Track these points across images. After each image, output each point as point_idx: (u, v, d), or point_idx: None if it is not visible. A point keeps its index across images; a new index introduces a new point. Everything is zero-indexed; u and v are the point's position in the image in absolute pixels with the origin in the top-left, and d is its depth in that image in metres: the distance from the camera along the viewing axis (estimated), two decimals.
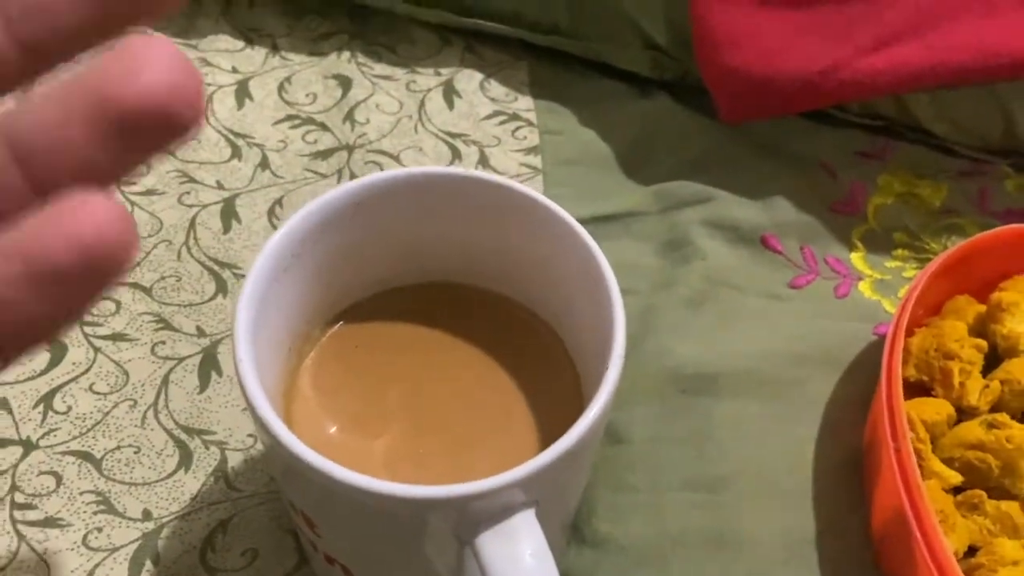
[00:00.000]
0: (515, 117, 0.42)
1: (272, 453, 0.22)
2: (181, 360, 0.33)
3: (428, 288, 0.28)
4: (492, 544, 0.21)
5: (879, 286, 0.36)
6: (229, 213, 0.37)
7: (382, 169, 0.38)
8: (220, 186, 0.38)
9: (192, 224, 0.37)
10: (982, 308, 0.32)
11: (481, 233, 0.26)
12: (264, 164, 0.39)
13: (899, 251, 0.38)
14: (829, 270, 0.37)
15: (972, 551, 0.27)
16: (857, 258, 0.37)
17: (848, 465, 0.31)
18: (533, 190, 0.25)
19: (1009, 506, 0.27)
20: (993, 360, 0.31)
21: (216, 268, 0.35)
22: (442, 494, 0.20)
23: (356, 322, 0.28)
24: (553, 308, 0.27)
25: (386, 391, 0.27)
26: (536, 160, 0.40)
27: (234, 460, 0.31)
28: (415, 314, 0.28)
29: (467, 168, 0.38)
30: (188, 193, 0.38)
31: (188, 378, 0.32)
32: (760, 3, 0.35)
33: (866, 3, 0.34)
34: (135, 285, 0.35)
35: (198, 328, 0.34)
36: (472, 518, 0.21)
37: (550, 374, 0.27)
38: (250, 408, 0.21)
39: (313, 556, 0.27)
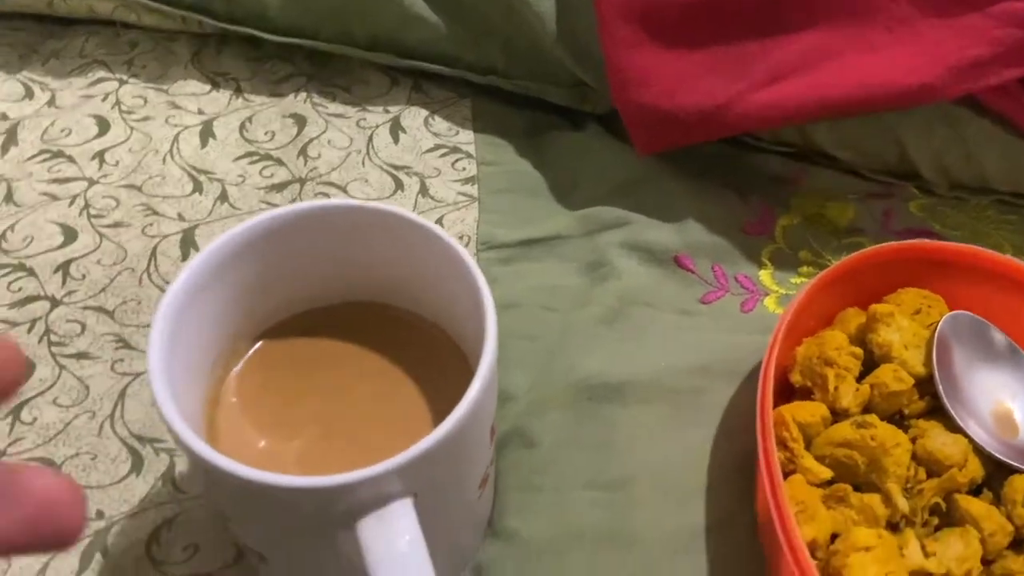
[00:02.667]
0: (456, 150, 0.45)
1: (183, 453, 0.25)
2: (138, 375, 0.36)
3: (342, 308, 0.32)
4: (370, 529, 0.24)
5: (783, 301, 0.39)
6: (188, 242, 0.41)
7: (329, 199, 0.41)
8: (181, 218, 0.42)
9: (153, 253, 0.40)
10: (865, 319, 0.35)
11: (381, 256, 0.30)
12: (223, 197, 0.43)
13: (804, 268, 0.40)
14: (738, 287, 0.40)
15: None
16: (765, 275, 0.40)
17: (741, 466, 0.34)
18: (415, 215, 0.28)
19: (871, 498, 0.30)
20: (871, 367, 0.34)
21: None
22: (321, 483, 0.23)
23: (277, 338, 0.31)
24: (448, 318, 0.31)
25: (302, 401, 0.30)
26: (473, 189, 0.44)
27: (181, 465, 0.34)
28: (331, 331, 0.31)
29: (400, 199, 0.41)
30: (151, 224, 0.41)
31: (144, 391, 0.36)
32: (664, 45, 0.39)
33: (758, 44, 0.37)
34: (99, 309, 0.38)
35: None
36: (353, 505, 0.24)
37: (448, 378, 0.30)
38: (157, 407, 0.24)
39: (245, 551, 0.30)
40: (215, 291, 0.28)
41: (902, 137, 0.39)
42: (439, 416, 0.29)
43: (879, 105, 0.36)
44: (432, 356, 0.31)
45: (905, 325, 0.33)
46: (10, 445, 0.34)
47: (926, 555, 0.29)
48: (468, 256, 0.27)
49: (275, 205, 0.43)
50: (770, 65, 0.37)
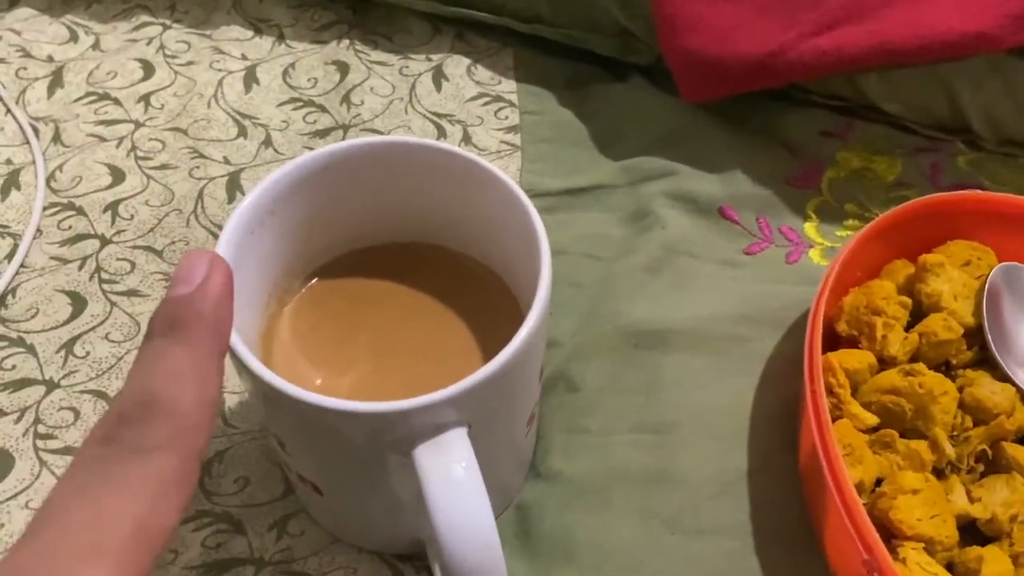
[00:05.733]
0: (498, 99, 0.45)
1: (243, 379, 0.26)
2: None
3: (394, 248, 0.32)
4: (427, 455, 0.24)
5: (828, 253, 0.39)
6: (234, 185, 0.41)
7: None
8: (227, 161, 0.42)
9: (200, 195, 0.41)
10: (914, 270, 0.35)
11: (437, 197, 0.30)
12: (267, 142, 0.43)
13: (850, 221, 0.40)
14: (782, 238, 0.40)
15: (882, 483, 0.30)
16: (810, 228, 0.40)
17: (784, 413, 0.34)
18: (474, 155, 0.28)
19: (918, 444, 0.30)
20: (920, 317, 0.33)
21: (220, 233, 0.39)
22: (381, 408, 0.24)
23: (330, 278, 0.32)
24: (501, 262, 0.31)
25: (354, 337, 0.30)
26: (515, 138, 0.44)
27: (231, 402, 0.35)
28: (382, 270, 0.32)
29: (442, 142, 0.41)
30: (198, 167, 0.42)
31: None
32: None
33: None
34: (148, 248, 0.39)
35: None
36: (411, 432, 0.24)
37: (498, 318, 0.30)
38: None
39: (296, 483, 0.31)
40: (270, 228, 0.28)
41: (954, 88, 0.39)
42: (489, 354, 0.30)
43: (934, 54, 0.35)
44: (483, 297, 0.31)
45: (955, 276, 0.33)
46: (63, 378, 0.35)
47: (971, 500, 0.30)
48: (525, 196, 0.27)
49: None
50: (824, 12, 0.36)
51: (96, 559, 0.15)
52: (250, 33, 0.48)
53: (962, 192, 0.35)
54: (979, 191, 0.35)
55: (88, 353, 0.35)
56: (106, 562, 0.15)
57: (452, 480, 0.24)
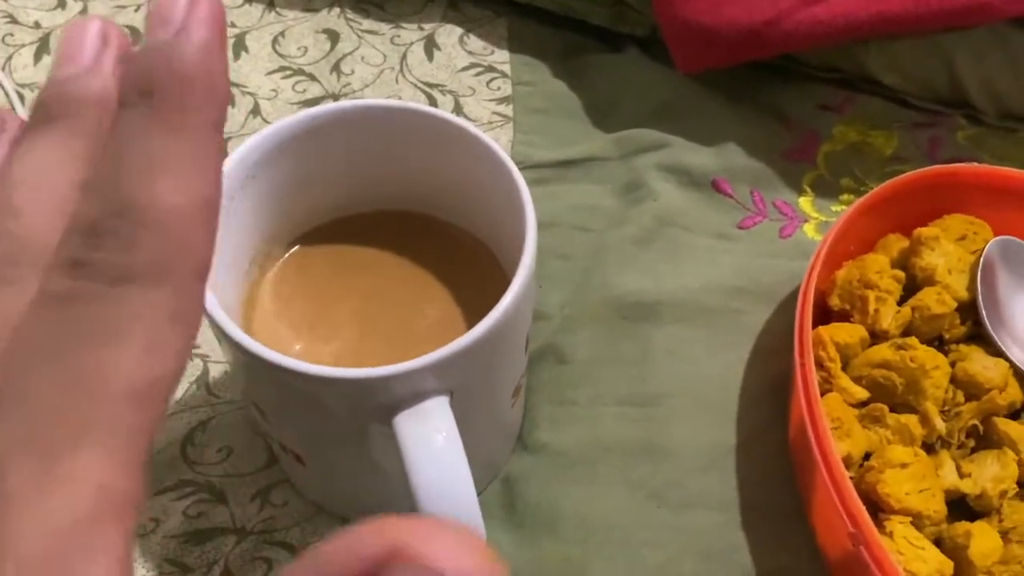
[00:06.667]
0: (490, 69, 0.44)
1: (223, 346, 0.25)
2: None
3: (378, 215, 0.31)
4: (407, 424, 0.24)
5: (823, 228, 0.39)
6: None
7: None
8: None
9: None
10: (908, 244, 0.34)
11: (423, 163, 0.29)
12: (256, 111, 0.43)
13: (845, 196, 0.40)
14: (777, 212, 0.39)
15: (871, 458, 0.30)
16: (805, 202, 0.40)
17: (775, 387, 0.33)
18: (463, 120, 0.28)
19: (908, 419, 0.30)
20: (913, 291, 0.33)
21: None
22: (360, 375, 0.23)
23: (313, 244, 0.31)
24: (488, 230, 0.30)
25: (338, 304, 0.30)
26: (508, 109, 0.43)
27: (215, 371, 0.34)
28: (366, 238, 0.31)
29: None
30: None
31: None
32: None
33: None
34: None
35: None
36: (391, 399, 0.24)
37: (484, 288, 0.29)
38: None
39: (279, 453, 0.30)
40: (252, 192, 0.28)
41: (954, 59, 0.38)
42: (473, 317, 0.29)
43: (934, 22, 0.35)
44: (469, 265, 0.31)
45: (950, 249, 0.33)
46: None
47: (961, 476, 0.29)
48: (511, 162, 0.27)
49: None
50: None
51: (84, 437, 0.12)
52: (240, 0, 0.47)
53: (959, 165, 0.35)
54: (976, 164, 0.35)
55: None
56: (97, 438, 0.12)
57: (432, 448, 0.23)
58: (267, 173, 0.28)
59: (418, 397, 0.24)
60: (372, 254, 0.31)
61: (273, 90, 0.44)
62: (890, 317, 0.32)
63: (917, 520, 0.27)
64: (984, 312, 0.31)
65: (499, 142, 0.41)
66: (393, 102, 0.28)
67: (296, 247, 0.31)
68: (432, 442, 0.24)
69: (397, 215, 0.32)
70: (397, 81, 0.44)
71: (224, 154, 0.15)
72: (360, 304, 0.30)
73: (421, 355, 0.28)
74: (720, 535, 0.30)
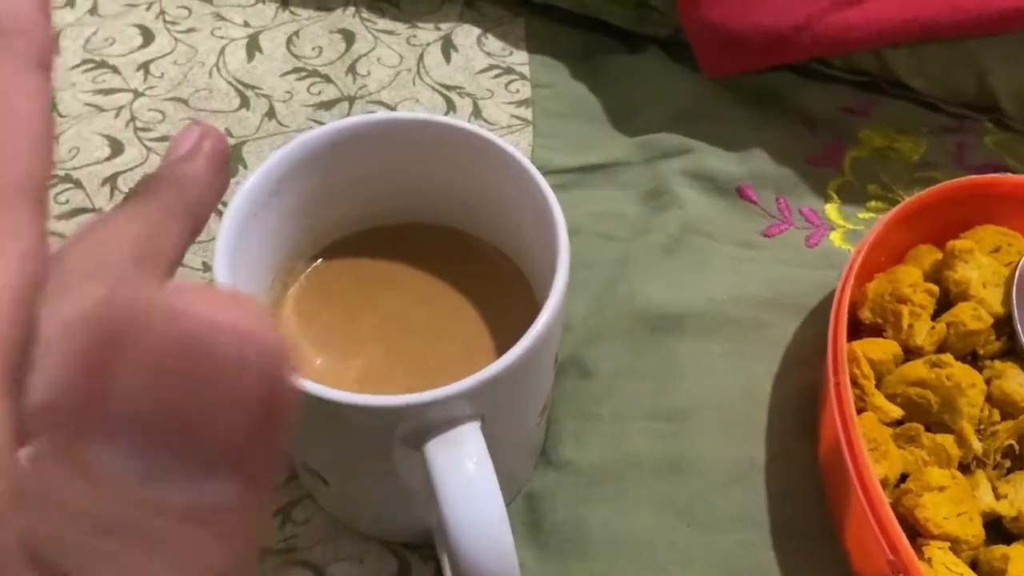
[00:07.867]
0: (509, 71, 0.44)
1: None
2: None
3: (402, 229, 0.31)
4: (439, 450, 0.23)
5: (850, 236, 0.38)
6: (236, 159, 0.40)
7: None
8: (229, 134, 0.41)
9: None
10: (941, 256, 0.33)
11: (448, 176, 0.29)
12: (271, 113, 0.42)
13: (873, 203, 0.39)
14: (803, 220, 0.38)
15: (907, 479, 0.29)
16: (831, 209, 0.39)
17: (803, 402, 0.33)
18: (491, 133, 0.27)
19: (944, 439, 0.29)
20: (946, 305, 0.32)
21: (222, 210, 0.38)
22: (392, 403, 0.22)
23: (336, 258, 0.30)
24: (515, 244, 0.30)
25: (361, 320, 0.29)
26: (527, 112, 0.42)
27: None
28: (389, 251, 0.30)
29: (455, 118, 0.40)
30: None
31: None
32: None
33: None
34: None
35: None
36: (422, 426, 0.23)
37: (511, 304, 0.29)
38: None
39: (302, 473, 0.30)
40: (275, 208, 0.27)
41: (983, 64, 0.37)
42: (501, 340, 0.29)
43: (970, 29, 0.34)
44: (494, 280, 0.30)
45: (984, 262, 0.32)
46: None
47: (997, 497, 0.29)
48: (542, 178, 0.26)
49: (323, 123, 0.41)
50: None
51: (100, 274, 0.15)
52: None
53: (992, 176, 0.34)
54: (1010, 175, 0.34)
55: None
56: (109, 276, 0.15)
57: (464, 476, 0.23)
58: (291, 188, 0.27)
59: (451, 423, 0.23)
60: (395, 267, 0.30)
61: (288, 92, 0.43)
62: (925, 333, 0.31)
63: (955, 545, 0.27)
64: (1020, 328, 0.31)
65: (518, 146, 0.40)
66: (418, 115, 0.28)
67: (318, 261, 0.30)
68: (464, 470, 0.23)
69: (420, 228, 0.31)
70: (414, 83, 0.43)
71: None
72: (384, 319, 0.29)
73: (449, 374, 0.28)
74: (749, 556, 0.30)
